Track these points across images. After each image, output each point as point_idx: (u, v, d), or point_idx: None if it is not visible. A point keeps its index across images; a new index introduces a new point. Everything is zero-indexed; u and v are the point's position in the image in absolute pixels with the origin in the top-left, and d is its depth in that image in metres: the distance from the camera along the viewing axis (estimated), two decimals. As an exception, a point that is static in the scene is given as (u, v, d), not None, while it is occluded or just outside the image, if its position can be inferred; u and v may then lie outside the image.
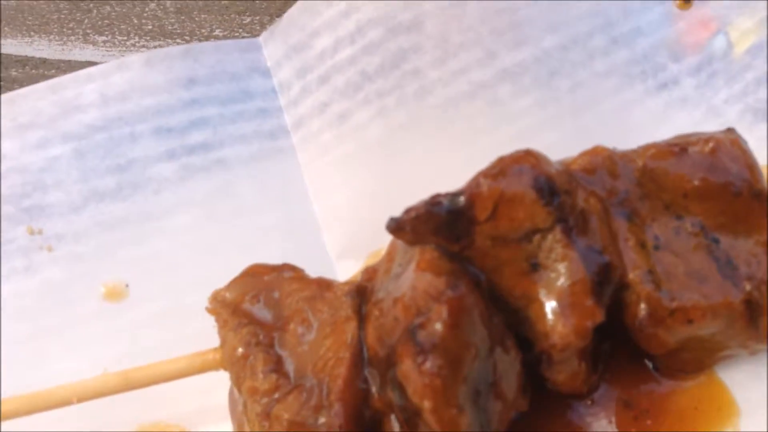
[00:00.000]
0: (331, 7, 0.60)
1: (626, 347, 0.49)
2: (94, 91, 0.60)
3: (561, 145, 0.50)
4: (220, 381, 0.51)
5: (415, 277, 0.42)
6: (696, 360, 0.48)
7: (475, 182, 0.44)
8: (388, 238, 0.52)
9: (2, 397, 0.48)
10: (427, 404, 0.38)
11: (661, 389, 0.49)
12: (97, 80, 0.60)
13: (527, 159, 0.45)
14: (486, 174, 0.44)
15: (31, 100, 0.60)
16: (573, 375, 0.45)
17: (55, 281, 0.55)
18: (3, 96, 0.61)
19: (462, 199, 0.43)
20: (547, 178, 0.44)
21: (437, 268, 0.42)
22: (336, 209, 0.59)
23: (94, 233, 0.56)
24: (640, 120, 0.57)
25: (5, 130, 0.59)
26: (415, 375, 0.38)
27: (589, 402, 0.49)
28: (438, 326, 0.38)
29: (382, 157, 0.58)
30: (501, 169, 0.44)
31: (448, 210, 0.43)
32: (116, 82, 0.60)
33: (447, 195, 0.44)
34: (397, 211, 0.51)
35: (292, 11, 0.63)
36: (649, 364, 0.49)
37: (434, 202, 0.44)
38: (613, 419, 0.48)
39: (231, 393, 0.51)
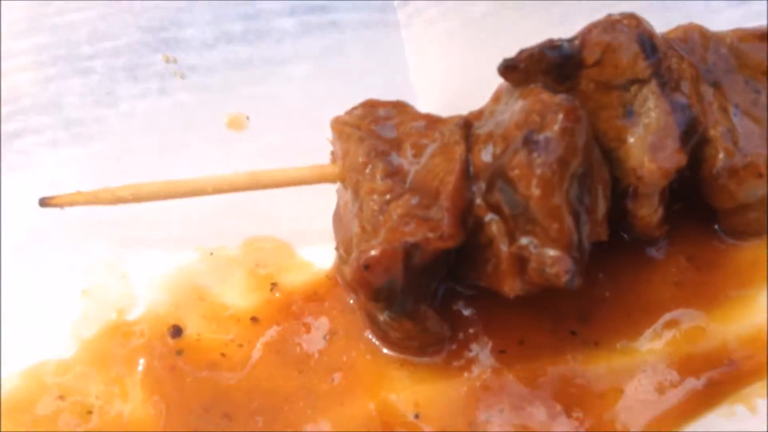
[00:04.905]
0: None
1: (695, 213, 0.55)
2: (230, -51, 0.65)
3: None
4: (325, 209, 0.57)
5: (527, 102, 0.48)
6: (758, 221, 0.53)
7: (587, 29, 0.49)
8: (477, 106, 0.58)
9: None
10: (536, 192, 0.43)
11: (723, 247, 0.55)
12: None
13: (633, 19, 0.51)
14: (596, 25, 0.50)
15: None
16: (652, 212, 0.51)
17: (184, 105, 0.61)
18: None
19: (576, 42, 0.49)
20: (649, 36, 0.50)
21: (549, 92, 0.48)
22: (432, 79, 0.64)
23: (222, 69, 0.62)
24: (719, 24, 0.61)
25: (145, -27, 0.64)
26: (528, 168, 0.44)
27: (657, 251, 0.55)
28: (555, 127, 0.44)
29: (484, 32, 0.63)
30: (611, 23, 0.50)
31: (562, 52, 0.49)
32: (251, -54, 0.65)
33: (561, 39, 0.50)
34: (491, 82, 0.57)
35: None
36: (715, 227, 0.55)
37: (549, 45, 0.49)
38: (678, 269, 0.54)
39: (335, 214, 0.57)
